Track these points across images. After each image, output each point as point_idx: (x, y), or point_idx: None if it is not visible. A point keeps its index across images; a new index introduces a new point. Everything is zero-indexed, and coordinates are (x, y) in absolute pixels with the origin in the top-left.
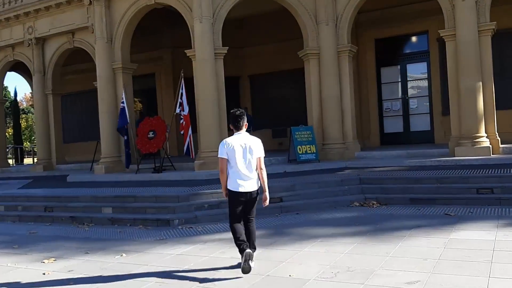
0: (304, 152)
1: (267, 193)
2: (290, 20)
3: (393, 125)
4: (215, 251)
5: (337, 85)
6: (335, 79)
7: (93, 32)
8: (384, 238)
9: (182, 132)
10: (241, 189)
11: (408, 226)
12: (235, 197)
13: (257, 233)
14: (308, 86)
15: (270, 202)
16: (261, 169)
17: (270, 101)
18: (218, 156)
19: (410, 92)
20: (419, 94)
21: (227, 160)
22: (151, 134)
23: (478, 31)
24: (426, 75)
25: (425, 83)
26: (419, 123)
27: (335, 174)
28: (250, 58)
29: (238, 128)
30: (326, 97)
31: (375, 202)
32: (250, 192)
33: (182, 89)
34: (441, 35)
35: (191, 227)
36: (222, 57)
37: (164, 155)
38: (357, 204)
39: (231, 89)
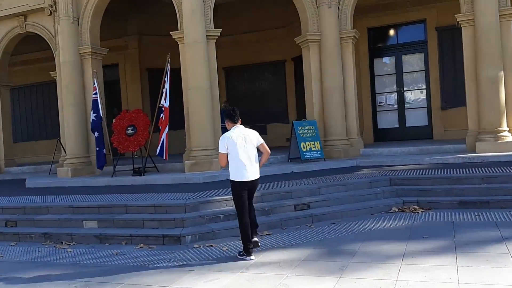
0: (308, 149)
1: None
2: (270, 6)
3: (388, 120)
4: (275, 282)
5: (340, 75)
6: (339, 68)
7: (50, 14)
8: (486, 257)
9: (160, 128)
10: (245, 179)
11: (495, 238)
12: (240, 186)
13: (305, 252)
14: (308, 76)
15: (296, 209)
16: (267, 152)
17: (247, 96)
18: (219, 151)
19: (406, 85)
20: (416, 87)
21: (228, 153)
22: (130, 130)
23: (499, 15)
24: (424, 66)
25: (422, 76)
26: (416, 118)
27: (356, 174)
28: (225, 49)
29: (235, 122)
30: (328, 88)
31: (416, 207)
32: (253, 181)
33: (167, 76)
34: (457, 20)
35: (211, 245)
36: (215, 41)
37: (147, 155)
38: (397, 210)
39: None
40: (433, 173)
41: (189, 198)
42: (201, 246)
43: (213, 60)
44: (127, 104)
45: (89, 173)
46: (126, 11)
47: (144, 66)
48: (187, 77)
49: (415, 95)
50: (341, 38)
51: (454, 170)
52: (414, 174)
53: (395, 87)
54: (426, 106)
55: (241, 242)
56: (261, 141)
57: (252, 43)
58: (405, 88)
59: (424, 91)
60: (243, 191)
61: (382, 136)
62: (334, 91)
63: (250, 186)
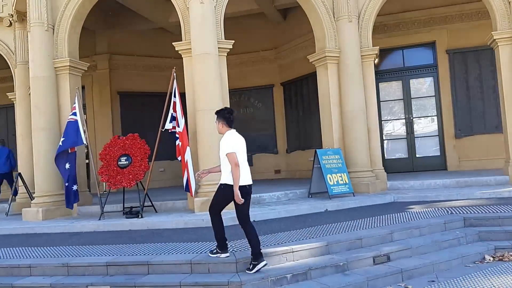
0: (335, 182)
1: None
2: (256, 28)
3: (395, 150)
4: None
5: (362, 97)
6: (361, 90)
7: (10, 25)
8: None
9: (179, 159)
10: (250, 182)
11: None
12: (247, 191)
13: None
14: (325, 99)
15: (375, 262)
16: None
17: None
18: (231, 151)
19: (415, 111)
20: (426, 114)
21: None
22: (123, 161)
23: None
24: (434, 92)
25: (432, 101)
26: (427, 148)
27: (412, 213)
28: None
29: (231, 127)
30: (349, 112)
31: None
32: (250, 185)
33: (174, 95)
34: (494, 37)
35: None
36: (226, 55)
37: (146, 191)
38: (491, 259)
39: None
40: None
41: (235, 251)
42: None
43: (225, 76)
44: (94, 133)
45: (65, 214)
46: (95, 27)
47: (115, 89)
48: (194, 96)
49: (425, 123)
50: (361, 56)
51: None
52: (490, 212)
53: (403, 113)
54: (438, 134)
55: (252, 251)
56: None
57: (236, 65)
58: (414, 115)
59: (435, 118)
60: (249, 199)
61: (389, 167)
62: (357, 115)
63: (248, 190)
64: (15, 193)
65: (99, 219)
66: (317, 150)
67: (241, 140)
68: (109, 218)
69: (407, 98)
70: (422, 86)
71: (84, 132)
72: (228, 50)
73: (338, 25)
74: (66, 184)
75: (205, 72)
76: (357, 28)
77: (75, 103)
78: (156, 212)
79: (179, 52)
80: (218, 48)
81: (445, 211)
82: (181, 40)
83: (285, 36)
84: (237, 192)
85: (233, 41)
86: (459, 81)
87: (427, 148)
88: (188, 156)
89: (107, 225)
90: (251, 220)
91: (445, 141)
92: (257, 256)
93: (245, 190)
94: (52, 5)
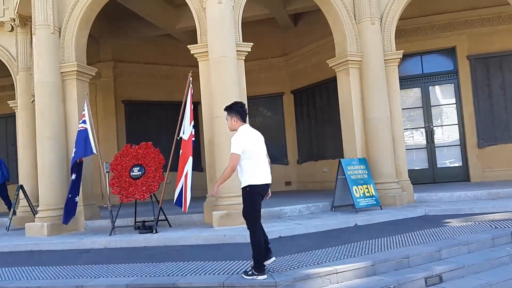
0: (361, 195)
1: None
2: (265, 34)
3: (415, 160)
4: None
5: (387, 103)
6: (385, 96)
7: (11, 30)
8: None
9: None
10: (266, 181)
11: None
12: (259, 191)
13: None
14: (347, 106)
15: (427, 283)
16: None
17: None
18: (234, 151)
19: (435, 119)
20: (447, 122)
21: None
22: (136, 171)
23: None
24: (455, 99)
25: (453, 109)
26: (448, 158)
27: (453, 228)
28: None
29: (246, 120)
30: (373, 120)
31: None
32: (269, 184)
33: (188, 101)
34: None
35: None
36: (244, 58)
37: (160, 204)
38: None
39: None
40: None
41: (272, 272)
42: None
43: (243, 81)
44: (99, 143)
45: (71, 229)
46: (100, 33)
47: (120, 98)
48: (211, 103)
49: (446, 132)
50: (385, 60)
51: None
52: None
53: (422, 122)
54: (459, 144)
55: (254, 258)
56: None
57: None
58: (434, 124)
59: (456, 126)
60: (260, 200)
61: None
62: (381, 123)
63: (266, 191)
64: (10, 205)
65: (110, 235)
66: (341, 160)
67: (256, 136)
68: (120, 233)
69: (426, 106)
70: (442, 93)
71: (94, 141)
72: (246, 54)
73: (360, 28)
74: (69, 195)
75: (223, 77)
76: (380, 30)
77: (84, 110)
78: (170, 226)
79: (194, 55)
80: (236, 51)
81: (488, 226)
82: (191, 45)
83: (296, 42)
84: (215, 188)
85: (252, 43)
86: (481, 88)
87: (449, 158)
88: (189, 167)
89: (119, 241)
90: (277, 236)
91: (467, 150)
92: (260, 267)
93: (259, 190)
94: (58, 7)
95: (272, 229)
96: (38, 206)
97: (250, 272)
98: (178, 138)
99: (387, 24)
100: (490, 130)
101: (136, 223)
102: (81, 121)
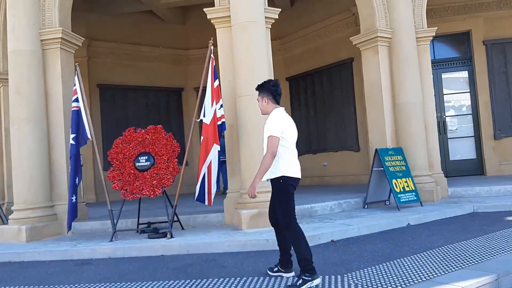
0: (401, 189)
1: None
2: None
3: None
4: None
5: (419, 86)
6: (417, 78)
7: None
8: None
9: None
10: (299, 175)
11: None
12: (293, 185)
13: None
14: (375, 89)
15: None
16: None
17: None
18: (274, 134)
19: (448, 110)
20: (460, 112)
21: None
22: (143, 161)
23: None
24: (469, 88)
25: (467, 98)
26: (462, 150)
27: None
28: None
29: (279, 102)
30: (404, 105)
31: None
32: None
33: (209, 76)
34: None
35: None
36: (270, 27)
37: (176, 202)
38: None
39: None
40: None
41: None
42: None
43: (270, 56)
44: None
45: (55, 233)
46: (72, 7)
47: (94, 81)
48: (234, 79)
49: (460, 122)
50: (416, 38)
51: None
52: None
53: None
54: (473, 135)
55: (300, 262)
56: None
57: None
58: (446, 114)
59: (470, 116)
60: (294, 191)
61: None
62: (413, 109)
63: (297, 185)
64: None
65: (111, 240)
66: (378, 149)
67: (292, 122)
68: (122, 238)
69: (438, 94)
70: (455, 80)
71: (89, 124)
72: (273, 21)
73: (390, 1)
74: (72, 196)
75: (250, 47)
76: (411, 4)
77: (74, 85)
78: (183, 229)
79: (212, 21)
80: (265, 17)
81: None
82: (207, 8)
83: (292, 25)
84: (255, 186)
85: (280, 9)
86: (498, 76)
87: (462, 151)
88: (213, 156)
89: (128, 249)
90: (328, 240)
91: (482, 142)
92: (311, 266)
93: (292, 183)
94: None
95: (317, 232)
96: (5, 204)
97: (301, 281)
98: (198, 121)
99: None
100: (507, 120)
101: (139, 225)
102: (73, 99)
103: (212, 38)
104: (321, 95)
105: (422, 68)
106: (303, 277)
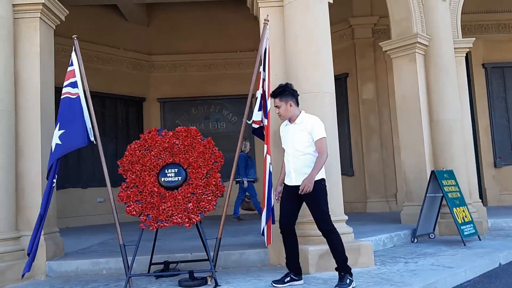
0: (462, 220)
1: None
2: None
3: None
4: None
5: (458, 102)
6: (457, 92)
7: None
8: None
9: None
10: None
11: None
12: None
13: None
14: (410, 102)
15: None
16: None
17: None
18: (324, 136)
19: None
20: None
21: None
22: (171, 175)
23: None
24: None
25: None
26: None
27: None
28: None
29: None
30: (444, 121)
31: None
32: None
33: (266, 65)
34: None
35: None
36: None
37: (220, 233)
38: None
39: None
40: None
41: None
42: None
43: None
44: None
45: (27, 277)
46: None
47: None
48: (288, 69)
49: None
50: (454, 48)
51: None
52: None
53: None
54: (474, 162)
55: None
56: None
57: (204, 67)
58: None
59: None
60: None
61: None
62: (454, 126)
63: None
64: None
65: None
66: (435, 171)
67: None
68: (136, 286)
69: None
70: None
71: (92, 120)
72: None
73: (427, 4)
74: (38, 222)
75: (315, 31)
76: (449, 10)
77: (71, 65)
78: (215, 271)
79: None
80: None
81: None
82: None
83: None
84: (312, 180)
85: None
86: (497, 100)
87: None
88: (268, 171)
89: None
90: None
91: (482, 170)
92: (349, 270)
93: (325, 184)
94: None
95: (418, 278)
96: None
97: (348, 280)
98: (250, 123)
99: (453, 4)
100: (508, 148)
101: (151, 265)
102: (67, 83)
103: (267, 14)
104: None
105: (460, 82)
106: (349, 277)
